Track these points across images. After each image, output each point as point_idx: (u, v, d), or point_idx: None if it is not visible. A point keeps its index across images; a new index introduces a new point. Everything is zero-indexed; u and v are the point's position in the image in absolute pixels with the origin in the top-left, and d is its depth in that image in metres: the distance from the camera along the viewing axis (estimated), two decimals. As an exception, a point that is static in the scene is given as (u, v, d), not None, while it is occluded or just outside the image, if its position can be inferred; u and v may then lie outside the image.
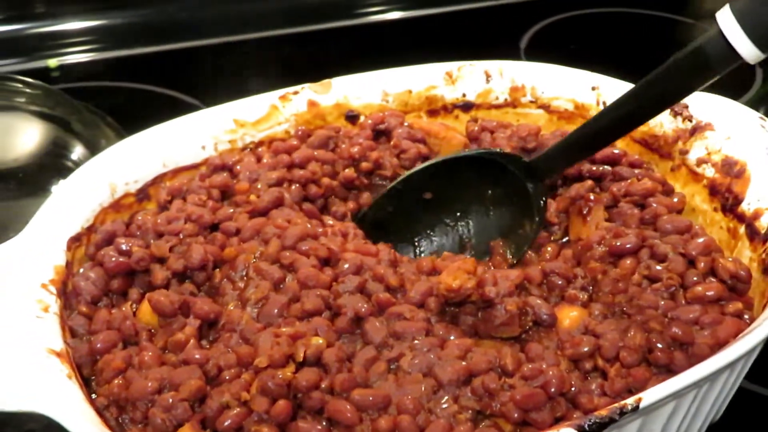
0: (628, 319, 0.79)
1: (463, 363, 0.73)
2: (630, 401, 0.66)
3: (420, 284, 0.80)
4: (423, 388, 0.72)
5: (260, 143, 1.01)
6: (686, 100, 0.99)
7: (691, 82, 0.76)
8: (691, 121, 0.98)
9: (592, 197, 0.93)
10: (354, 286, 0.80)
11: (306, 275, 0.81)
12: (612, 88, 1.04)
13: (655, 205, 0.91)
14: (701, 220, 0.94)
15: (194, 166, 0.98)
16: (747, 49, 0.69)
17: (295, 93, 1.03)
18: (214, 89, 1.34)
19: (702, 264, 0.83)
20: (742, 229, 0.89)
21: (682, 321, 0.77)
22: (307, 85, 1.04)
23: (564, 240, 0.95)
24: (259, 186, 0.92)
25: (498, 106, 1.08)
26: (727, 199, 0.92)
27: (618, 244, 0.86)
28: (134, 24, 1.53)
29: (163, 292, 0.81)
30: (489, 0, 1.68)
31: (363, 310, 0.77)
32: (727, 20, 0.69)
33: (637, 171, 0.95)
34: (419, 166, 0.98)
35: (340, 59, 1.46)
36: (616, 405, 0.66)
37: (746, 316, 0.80)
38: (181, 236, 0.86)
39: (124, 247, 0.85)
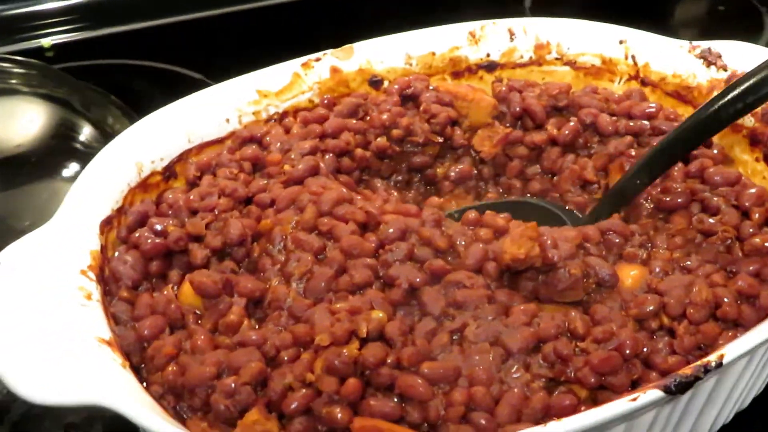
0: (690, 274, 0.77)
1: (531, 329, 0.71)
2: (713, 358, 0.64)
3: (474, 248, 0.77)
4: (491, 358, 0.70)
5: (285, 113, 0.98)
6: (719, 49, 0.97)
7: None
8: (725, 70, 0.96)
9: (633, 153, 0.91)
10: (403, 254, 0.77)
11: (349, 244, 0.77)
12: (641, 41, 1.01)
13: (699, 157, 0.89)
14: (742, 170, 0.92)
15: (219, 141, 0.94)
16: None
17: (317, 60, 0.99)
18: (217, 62, 1.30)
19: (756, 215, 0.82)
20: (787, 179, 0.88)
21: (746, 274, 0.76)
22: (329, 52, 1.00)
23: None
24: (292, 156, 0.88)
25: (523, 65, 1.05)
26: (769, 149, 0.90)
27: (668, 199, 0.84)
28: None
29: (204, 272, 0.77)
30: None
31: (418, 280, 0.74)
32: None
33: (675, 124, 0.93)
34: (477, 203, 0.94)
35: (338, 28, 1.42)
36: (699, 363, 0.64)
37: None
38: (216, 212, 0.83)
39: (158, 227, 0.82)
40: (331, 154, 0.91)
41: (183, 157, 0.91)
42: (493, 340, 0.71)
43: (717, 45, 0.97)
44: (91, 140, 1.11)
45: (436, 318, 0.73)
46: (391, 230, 0.79)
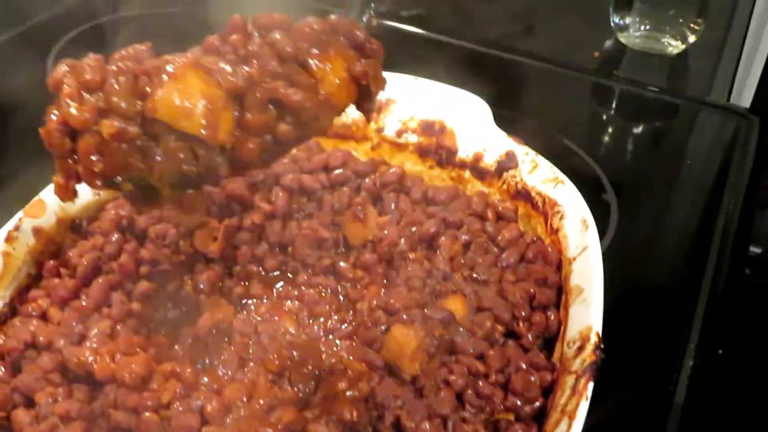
0: (488, 284, 0.91)
1: (448, 390, 0.78)
2: (593, 339, 0.78)
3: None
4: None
5: (12, 301, 0.83)
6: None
7: None
8: (372, 102, 1.08)
9: (358, 200, 0.99)
10: None
11: None
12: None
13: (410, 183, 1.01)
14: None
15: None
16: None
17: (17, 228, 0.85)
18: None
19: (490, 213, 0.98)
20: (467, 174, 1.05)
21: (526, 263, 0.92)
22: (21, 214, 0.86)
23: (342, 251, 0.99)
24: (94, 344, 0.78)
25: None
26: (441, 155, 1.06)
27: (424, 229, 0.95)
28: None
29: None
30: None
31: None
32: None
33: (361, 164, 1.03)
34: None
35: None
36: (591, 346, 0.78)
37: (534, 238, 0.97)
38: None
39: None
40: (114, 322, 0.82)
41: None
42: (426, 416, 0.76)
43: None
44: None
45: (371, 425, 0.75)
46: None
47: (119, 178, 0.62)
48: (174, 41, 1.50)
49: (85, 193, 0.93)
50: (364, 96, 0.70)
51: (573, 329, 0.82)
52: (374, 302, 0.87)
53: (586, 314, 0.82)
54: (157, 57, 0.62)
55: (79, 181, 0.66)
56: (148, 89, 0.59)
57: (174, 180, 0.62)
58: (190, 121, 0.59)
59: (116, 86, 0.58)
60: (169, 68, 0.59)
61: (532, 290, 0.88)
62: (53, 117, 0.59)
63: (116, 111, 0.59)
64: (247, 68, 0.61)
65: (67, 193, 0.67)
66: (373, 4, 0.78)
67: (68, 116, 0.59)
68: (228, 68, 0.61)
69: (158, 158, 0.60)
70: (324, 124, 0.66)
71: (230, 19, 0.65)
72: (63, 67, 0.61)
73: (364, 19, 0.76)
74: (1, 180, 1.14)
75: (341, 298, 0.93)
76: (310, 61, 0.64)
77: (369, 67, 0.68)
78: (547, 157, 1.00)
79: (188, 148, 0.60)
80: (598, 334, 0.79)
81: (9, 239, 0.84)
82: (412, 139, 1.07)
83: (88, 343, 0.76)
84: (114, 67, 0.59)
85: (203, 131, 0.59)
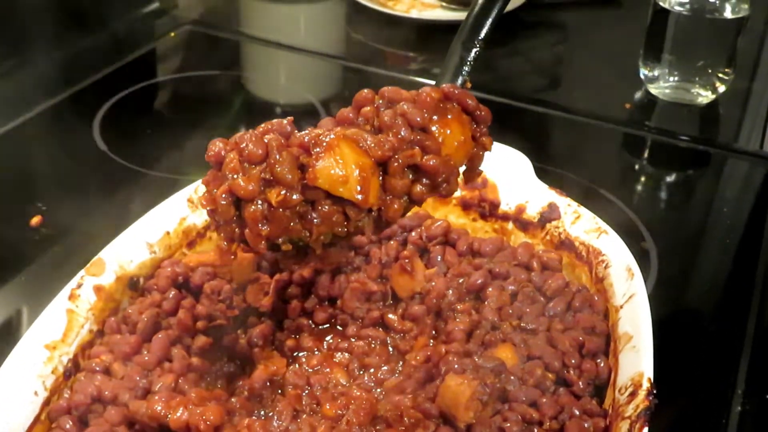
0: (537, 333, 0.92)
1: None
2: (645, 384, 0.80)
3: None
4: None
5: (75, 357, 0.86)
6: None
7: None
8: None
9: (405, 253, 1.01)
10: None
11: None
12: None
13: (456, 236, 1.03)
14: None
15: (39, 419, 0.79)
16: None
17: (79, 286, 0.88)
18: None
19: (535, 263, 1.00)
20: (510, 226, 1.07)
21: (574, 311, 0.93)
22: (83, 273, 0.89)
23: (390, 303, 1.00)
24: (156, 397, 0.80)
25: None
26: (484, 208, 1.09)
27: (471, 281, 0.97)
28: None
29: None
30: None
31: None
32: None
33: (406, 218, 1.05)
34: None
35: None
36: (644, 392, 0.79)
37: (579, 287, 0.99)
38: None
39: None
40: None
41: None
42: None
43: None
44: None
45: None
46: None
47: (280, 240, 0.67)
48: (209, 102, 1.58)
49: (142, 252, 0.96)
50: (473, 158, 0.77)
51: (624, 376, 0.83)
52: (424, 353, 0.88)
53: (637, 361, 0.83)
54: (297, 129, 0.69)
55: (240, 244, 0.71)
56: (302, 160, 0.64)
57: (328, 240, 0.67)
58: (347, 188, 0.65)
59: (280, 159, 0.63)
60: (325, 140, 0.64)
61: (581, 338, 0.90)
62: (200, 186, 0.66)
63: (282, 181, 0.64)
64: (387, 137, 0.67)
65: (229, 256, 0.74)
66: (465, 69, 0.83)
67: (236, 188, 0.64)
68: (370, 139, 0.65)
69: (316, 221, 0.65)
70: (452, 186, 0.73)
71: (360, 93, 0.72)
72: (218, 144, 0.66)
73: (459, 82, 0.82)
74: (51, 236, 1.18)
75: (390, 349, 0.95)
76: (433, 127, 0.69)
77: (481, 131, 0.75)
78: (584, 207, 1.03)
79: (341, 212, 0.66)
80: (650, 379, 0.80)
81: (72, 297, 0.87)
82: (457, 193, 1.09)
83: (156, 397, 0.78)
84: (273, 142, 0.64)
85: (358, 196, 0.65)
